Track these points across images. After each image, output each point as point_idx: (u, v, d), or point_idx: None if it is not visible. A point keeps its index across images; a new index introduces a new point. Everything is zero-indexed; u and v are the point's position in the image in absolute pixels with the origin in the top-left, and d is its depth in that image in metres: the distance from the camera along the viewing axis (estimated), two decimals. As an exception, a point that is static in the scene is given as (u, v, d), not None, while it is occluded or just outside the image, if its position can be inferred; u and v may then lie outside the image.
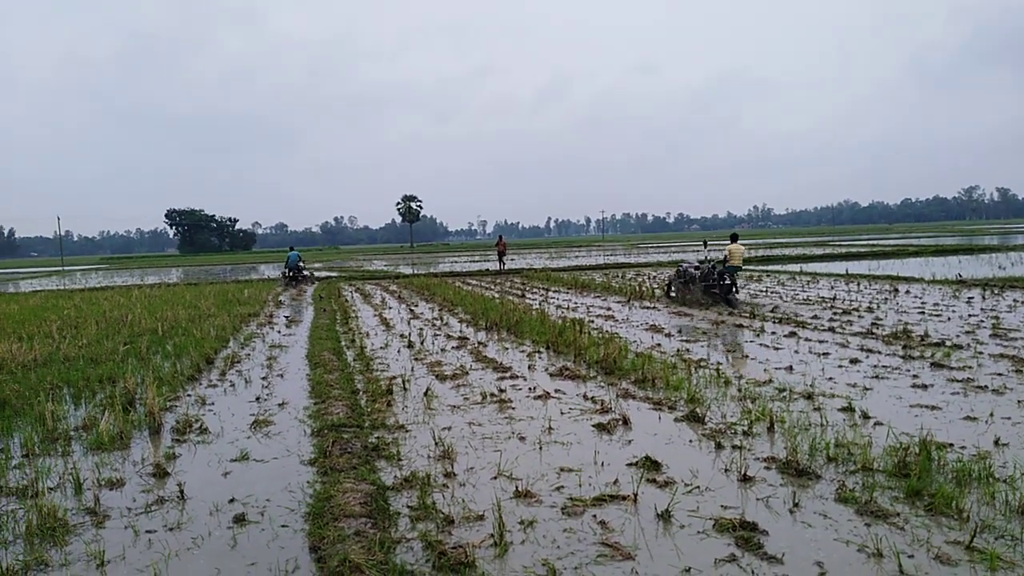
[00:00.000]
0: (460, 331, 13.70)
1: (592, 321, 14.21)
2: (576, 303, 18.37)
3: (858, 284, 20.33)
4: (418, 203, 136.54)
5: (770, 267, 30.42)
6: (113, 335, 13.87)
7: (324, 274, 36.91)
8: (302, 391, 8.85)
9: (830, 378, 8.34)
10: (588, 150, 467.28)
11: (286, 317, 17.55)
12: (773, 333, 11.92)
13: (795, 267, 29.48)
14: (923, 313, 13.62)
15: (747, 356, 10.03)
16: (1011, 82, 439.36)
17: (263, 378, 9.77)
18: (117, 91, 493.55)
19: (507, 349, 11.38)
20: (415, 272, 37.24)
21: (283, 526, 4.76)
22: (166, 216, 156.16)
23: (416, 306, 19.08)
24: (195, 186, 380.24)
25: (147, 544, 4.57)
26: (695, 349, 10.78)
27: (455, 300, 19.15)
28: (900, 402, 7.21)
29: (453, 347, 11.78)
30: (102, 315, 17.51)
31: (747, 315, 14.36)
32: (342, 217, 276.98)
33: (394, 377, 9.24)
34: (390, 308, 18.85)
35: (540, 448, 6.18)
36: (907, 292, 17.64)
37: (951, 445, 5.77)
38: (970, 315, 13.13)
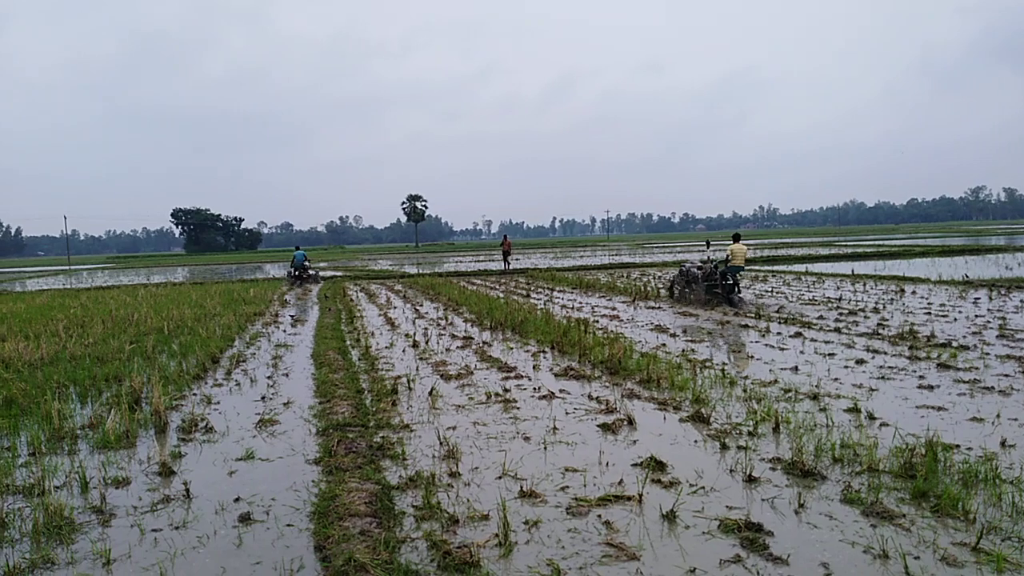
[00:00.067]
0: (465, 331, 13.70)
1: (597, 321, 14.20)
2: (581, 303, 18.36)
3: (864, 284, 20.27)
4: (423, 203, 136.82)
5: (776, 267, 30.36)
6: (119, 334, 13.92)
7: (329, 273, 36.96)
8: (307, 390, 8.86)
9: (836, 379, 8.32)
10: (594, 150, 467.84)
11: (291, 316, 17.58)
12: (779, 333, 11.90)
13: (801, 267, 29.41)
14: (929, 314, 13.57)
15: (752, 356, 10.00)
16: (1019, 82, 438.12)
17: (268, 377, 9.79)
18: (124, 91, 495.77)
19: (512, 349, 11.38)
20: (420, 272, 37.27)
21: (288, 525, 4.77)
22: (172, 215, 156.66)
23: (421, 306, 19.10)
24: (201, 185, 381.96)
25: (153, 543, 4.58)
26: (700, 349, 10.76)
27: (460, 300, 19.16)
28: (906, 403, 7.19)
29: (458, 347, 11.78)
30: (108, 314, 17.56)
31: (752, 315, 14.33)
32: (347, 216, 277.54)
33: (399, 377, 9.25)
34: (395, 308, 18.87)
35: (545, 448, 6.18)
36: (913, 293, 17.58)
37: (957, 446, 5.75)
38: (977, 316, 13.08)
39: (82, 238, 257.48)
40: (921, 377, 8.26)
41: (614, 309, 16.68)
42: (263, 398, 8.54)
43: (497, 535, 4.40)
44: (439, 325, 14.71)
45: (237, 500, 5.25)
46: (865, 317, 13.38)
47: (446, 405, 7.83)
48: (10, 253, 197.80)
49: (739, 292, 16.66)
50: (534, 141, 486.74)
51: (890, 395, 7.51)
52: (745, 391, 7.82)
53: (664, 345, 11.17)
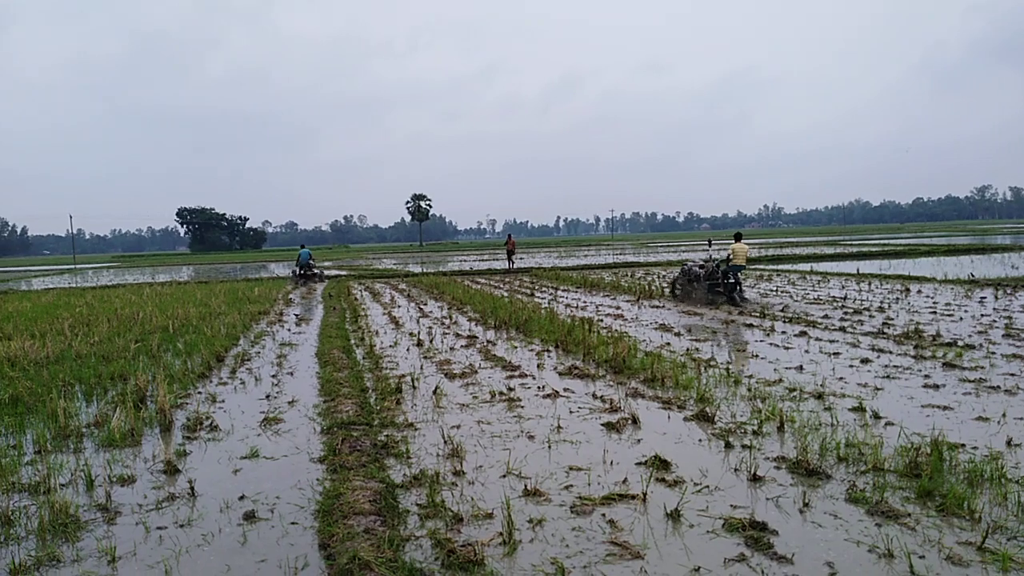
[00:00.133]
0: (469, 330, 13.71)
1: (601, 320, 14.19)
2: (585, 302, 18.35)
3: (869, 284, 20.22)
4: (427, 202, 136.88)
5: (781, 266, 30.30)
6: (124, 333, 13.95)
7: (334, 272, 37.01)
8: (312, 389, 8.88)
9: (841, 378, 8.30)
10: (598, 149, 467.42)
11: (296, 315, 17.61)
12: (783, 332, 11.87)
13: (806, 266, 29.35)
14: (935, 313, 13.54)
15: (757, 355, 9.98)
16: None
17: (273, 376, 9.81)
18: (127, 91, 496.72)
19: (516, 348, 11.38)
20: (424, 271, 37.30)
21: (293, 523, 4.78)
22: (177, 215, 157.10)
23: (425, 305, 19.11)
24: (206, 185, 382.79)
25: (158, 541, 4.59)
26: (705, 348, 10.75)
27: (464, 299, 19.17)
28: (911, 402, 7.17)
29: (462, 346, 11.79)
30: (114, 313, 17.61)
31: (757, 314, 14.30)
32: (352, 216, 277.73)
33: (403, 375, 9.26)
34: (399, 307, 18.89)
35: (549, 447, 6.18)
36: (919, 292, 17.52)
37: (963, 445, 5.73)
38: (982, 315, 13.04)
39: (87, 237, 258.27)
40: (926, 376, 8.24)
41: (618, 308, 16.67)
42: (268, 397, 8.56)
43: (501, 533, 4.40)
44: (443, 324, 14.71)
45: (242, 498, 5.26)
46: (870, 316, 13.35)
47: (450, 404, 7.83)
48: (16, 252, 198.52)
49: (741, 291, 16.70)
50: (537, 140, 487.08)
51: (895, 394, 7.49)
52: (750, 390, 7.81)
53: (668, 344, 11.15)
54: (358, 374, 9.46)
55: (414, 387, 8.67)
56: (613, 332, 12.09)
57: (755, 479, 5.19)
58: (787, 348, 10.42)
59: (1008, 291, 16.88)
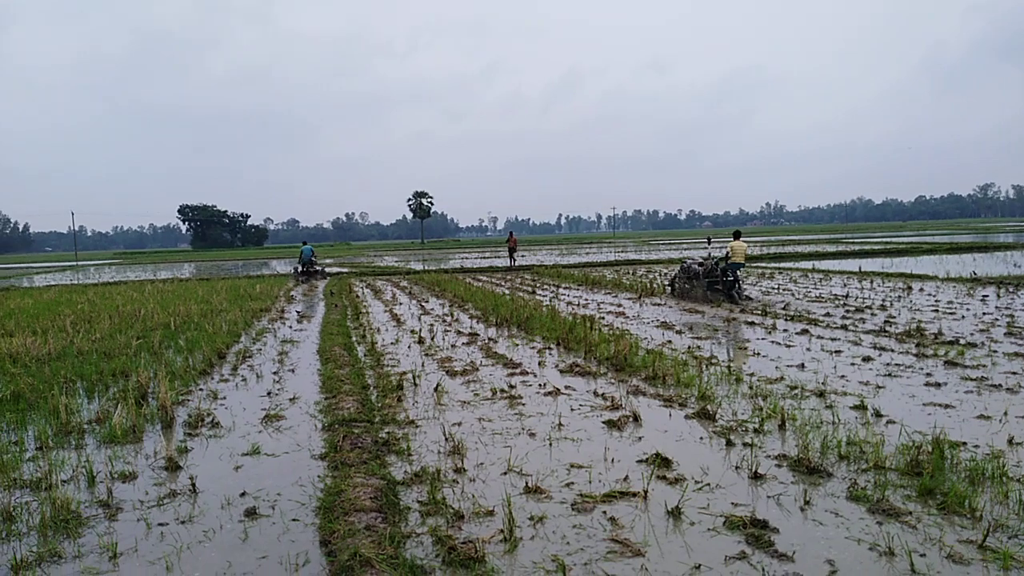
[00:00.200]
0: (470, 327, 13.71)
1: (603, 318, 14.18)
2: (587, 300, 18.35)
3: (871, 282, 20.20)
4: (429, 199, 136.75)
5: (782, 264, 30.27)
6: (126, 329, 13.97)
7: (335, 270, 37.03)
8: (313, 386, 8.88)
9: (842, 376, 8.29)
10: (599, 147, 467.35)
11: (297, 312, 17.62)
12: (785, 330, 11.87)
13: (807, 264, 29.32)
14: (937, 311, 13.52)
15: (758, 353, 9.98)
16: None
17: (274, 373, 9.81)
18: (129, 89, 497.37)
19: (517, 345, 11.38)
20: (426, 268, 37.30)
21: (294, 520, 4.78)
22: (179, 212, 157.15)
23: (427, 302, 19.11)
24: (208, 182, 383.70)
25: (159, 537, 4.60)
26: (706, 346, 10.74)
27: (465, 296, 19.17)
28: (913, 400, 7.16)
29: (463, 343, 11.79)
30: (115, 310, 17.64)
31: (759, 312, 14.29)
32: (353, 213, 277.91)
33: (404, 373, 9.26)
34: (401, 304, 18.90)
35: (550, 444, 6.18)
36: (921, 290, 17.50)
37: (964, 444, 5.72)
38: (985, 313, 13.02)
39: (89, 234, 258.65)
40: (928, 375, 8.23)
41: (620, 306, 16.66)
42: (269, 393, 8.56)
43: (502, 531, 4.40)
44: (445, 321, 14.72)
45: (243, 495, 5.26)
46: (872, 314, 13.34)
47: (451, 401, 7.84)
48: (18, 249, 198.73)
49: (740, 288, 16.78)
50: (539, 139, 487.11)
51: (897, 392, 7.49)
52: (751, 388, 7.80)
53: (670, 342, 11.15)
54: (359, 371, 9.47)
55: (415, 384, 8.67)
56: (614, 330, 12.09)
57: (756, 477, 5.19)
58: (789, 346, 10.41)
59: (1010, 289, 16.85)
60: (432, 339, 12.24)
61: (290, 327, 14.84)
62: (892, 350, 9.75)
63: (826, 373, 8.44)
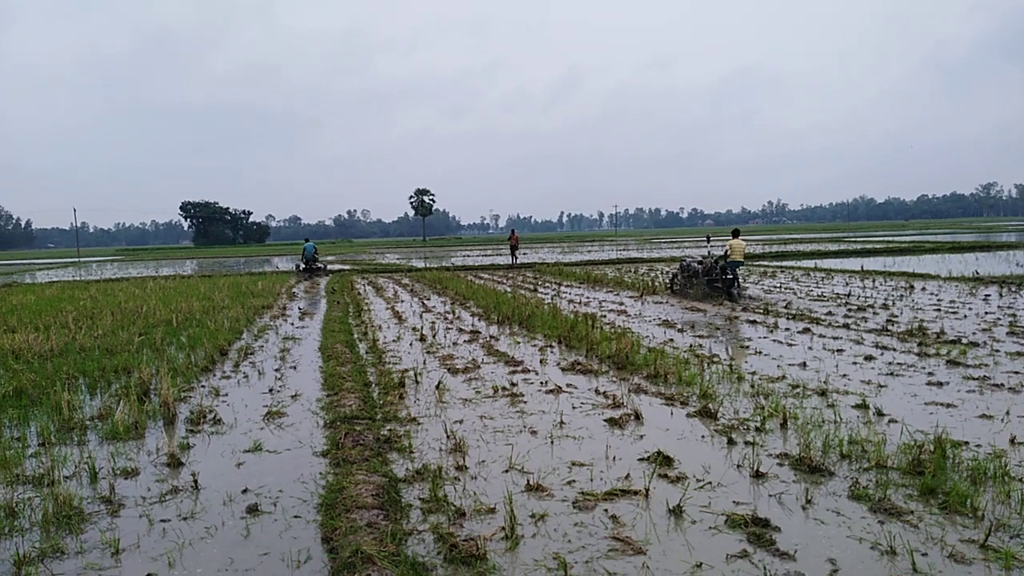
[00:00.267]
0: (472, 325, 13.71)
1: (604, 316, 14.18)
2: (588, 298, 18.34)
3: (873, 281, 20.18)
4: (431, 197, 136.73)
5: (784, 263, 30.25)
6: (128, 326, 13.98)
7: (337, 267, 37.03)
8: (315, 383, 8.89)
9: (844, 375, 8.29)
10: (601, 145, 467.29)
11: (299, 309, 17.63)
12: (787, 329, 11.86)
13: (809, 263, 29.29)
14: (939, 310, 13.50)
15: (760, 352, 9.97)
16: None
17: (276, 370, 9.82)
18: (132, 86, 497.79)
19: (519, 343, 11.38)
20: (427, 266, 37.29)
21: (296, 517, 4.79)
22: (181, 208, 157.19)
23: (428, 299, 19.12)
24: (210, 179, 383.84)
25: (161, 533, 4.61)
26: (708, 345, 10.74)
27: (467, 294, 19.17)
28: (915, 399, 7.15)
29: (465, 341, 11.79)
30: (117, 306, 17.66)
31: (761, 311, 14.28)
32: (355, 210, 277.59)
33: (406, 370, 9.27)
34: (402, 301, 18.90)
35: (551, 442, 6.18)
36: (923, 289, 17.48)
37: (966, 443, 5.72)
38: (987, 312, 13.00)
39: (91, 230, 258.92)
40: (930, 374, 8.22)
41: (621, 304, 16.66)
42: (271, 390, 8.57)
43: (504, 528, 4.41)
44: (446, 319, 14.72)
45: (245, 491, 5.27)
46: (874, 313, 13.32)
47: (453, 399, 7.84)
48: (20, 245, 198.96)
49: (738, 286, 16.87)
50: (542, 136, 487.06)
51: (899, 391, 7.48)
52: (753, 387, 7.80)
53: (672, 340, 11.15)
54: (361, 368, 9.47)
55: (417, 382, 8.68)
56: (616, 328, 12.08)
57: (758, 476, 5.19)
58: (790, 345, 10.40)
59: (1013, 289, 16.83)
60: (434, 337, 12.24)
61: (292, 324, 14.84)
62: (894, 349, 9.74)
63: (828, 372, 8.43)
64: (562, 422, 6.76)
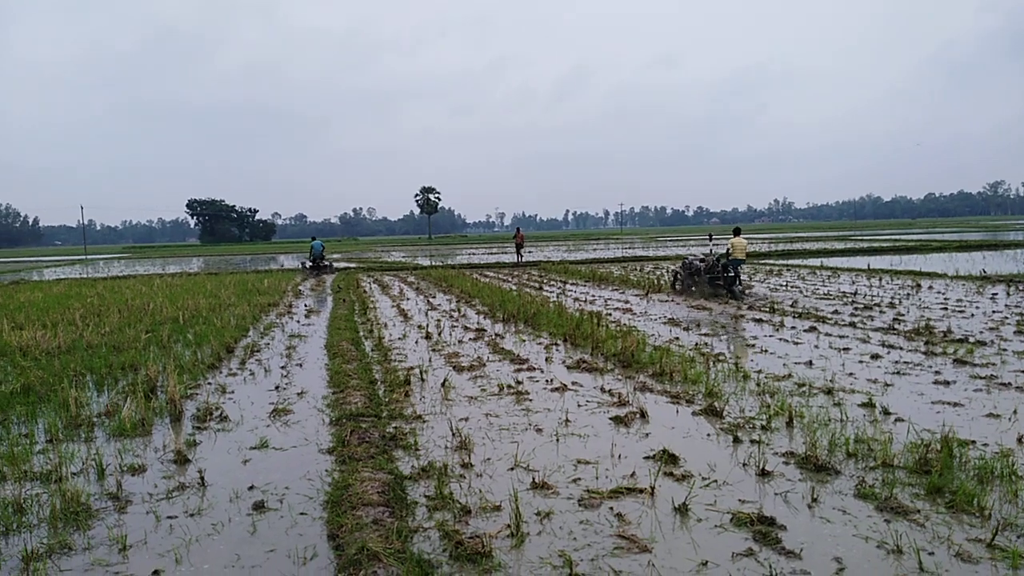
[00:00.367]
0: (477, 323, 13.72)
1: (610, 314, 14.17)
2: (594, 296, 18.33)
3: (880, 279, 20.11)
4: (436, 195, 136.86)
5: (791, 261, 30.18)
6: (135, 323, 14.04)
7: (343, 265, 37.09)
8: (321, 380, 8.91)
9: (850, 373, 8.26)
10: (607, 143, 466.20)
11: (305, 307, 17.67)
12: (793, 328, 11.83)
13: (816, 261, 29.21)
14: (946, 309, 13.45)
15: (766, 350, 9.95)
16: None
17: (282, 367, 9.85)
18: (139, 83, 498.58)
19: (524, 341, 11.38)
20: (433, 264, 37.32)
21: (302, 514, 4.81)
22: (187, 206, 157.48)
23: (434, 297, 19.13)
24: (216, 177, 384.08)
25: (168, 529, 4.63)
26: (714, 343, 10.72)
27: (473, 292, 19.18)
28: (922, 398, 7.13)
29: (470, 339, 11.80)
30: (124, 303, 17.72)
31: (767, 309, 14.25)
32: (361, 208, 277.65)
33: (412, 368, 9.28)
34: (408, 299, 18.92)
35: (557, 440, 6.19)
36: (930, 288, 17.42)
37: (973, 442, 5.70)
38: (994, 311, 12.95)
39: (98, 228, 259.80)
40: (937, 373, 8.19)
41: (627, 302, 16.65)
42: (277, 388, 8.60)
43: (509, 526, 4.41)
44: (452, 317, 14.73)
45: (251, 488, 5.29)
46: (881, 312, 13.28)
47: (458, 396, 7.85)
48: (28, 243, 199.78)
49: (740, 284, 16.96)
50: (547, 134, 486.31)
51: (905, 390, 7.46)
52: (758, 385, 7.78)
53: (677, 339, 11.13)
54: (367, 366, 9.49)
55: (422, 379, 8.69)
56: (622, 326, 12.08)
57: (763, 474, 5.18)
58: (796, 343, 10.38)
59: (1020, 287, 16.75)
60: (439, 334, 12.25)
61: (298, 322, 14.88)
62: (901, 348, 9.71)
63: (834, 371, 8.41)
64: (567, 420, 6.76)
